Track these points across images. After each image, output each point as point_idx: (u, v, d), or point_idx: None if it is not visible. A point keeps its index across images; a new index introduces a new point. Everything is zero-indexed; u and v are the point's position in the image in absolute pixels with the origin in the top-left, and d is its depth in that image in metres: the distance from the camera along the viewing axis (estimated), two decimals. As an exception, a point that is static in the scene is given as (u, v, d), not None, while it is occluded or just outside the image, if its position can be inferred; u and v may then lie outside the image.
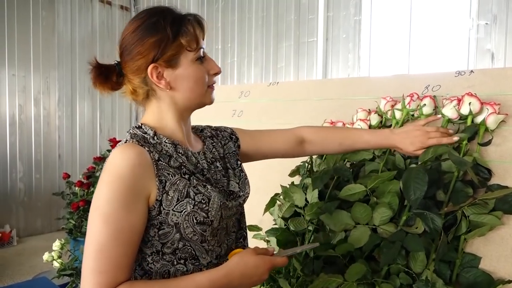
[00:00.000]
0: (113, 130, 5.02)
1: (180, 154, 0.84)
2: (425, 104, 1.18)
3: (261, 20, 3.81)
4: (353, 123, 1.34)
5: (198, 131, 0.99)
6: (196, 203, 0.78)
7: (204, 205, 0.79)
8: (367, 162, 1.22)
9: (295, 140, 1.06)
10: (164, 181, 0.78)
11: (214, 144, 0.97)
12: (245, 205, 1.58)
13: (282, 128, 1.10)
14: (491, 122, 1.07)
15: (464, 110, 1.09)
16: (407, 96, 1.22)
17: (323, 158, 1.31)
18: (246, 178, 0.96)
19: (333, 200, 1.17)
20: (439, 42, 2.70)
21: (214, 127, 1.04)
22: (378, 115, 1.32)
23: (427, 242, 1.01)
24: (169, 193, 0.78)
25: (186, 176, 0.80)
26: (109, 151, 3.39)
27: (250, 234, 1.40)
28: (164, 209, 0.77)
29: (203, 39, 0.89)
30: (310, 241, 1.21)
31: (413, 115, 1.22)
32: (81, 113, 4.68)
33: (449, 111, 1.13)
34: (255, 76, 3.89)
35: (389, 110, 1.28)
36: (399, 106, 1.24)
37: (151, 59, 0.81)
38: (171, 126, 0.87)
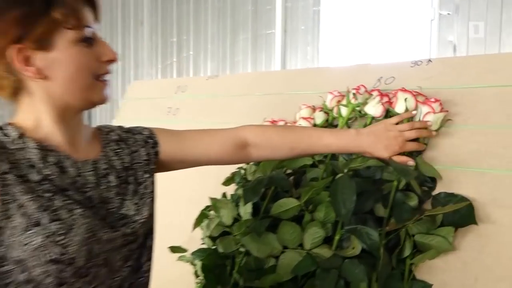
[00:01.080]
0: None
1: (49, 164, 0.63)
2: (372, 95, 0.99)
3: (217, 11, 3.58)
4: (295, 122, 1.14)
5: (103, 133, 0.77)
6: (49, 234, 0.58)
7: (61, 237, 0.58)
8: (308, 169, 1.03)
9: (236, 143, 0.84)
10: (9, 201, 0.58)
11: (119, 151, 0.75)
12: (174, 219, 1.37)
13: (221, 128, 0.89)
14: (433, 122, 0.89)
15: (400, 108, 0.91)
16: (353, 89, 1.03)
17: (259, 164, 1.11)
18: (150, 198, 0.75)
19: (266, 218, 0.96)
20: (400, 33, 2.55)
21: (127, 128, 0.82)
22: (324, 112, 1.12)
23: (368, 268, 0.82)
24: (14, 218, 0.57)
25: (48, 195, 0.60)
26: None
27: (174, 256, 1.18)
28: (4, 240, 0.57)
29: (96, 18, 0.68)
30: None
31: (360, 111, 1.03)
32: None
33: (371, 108, 0.95)
34: (212, 70, 3.66)
35: (335, 106, 1.08)
36: (345, 101, 1.04)
37: (13, 38, 0.60)
38: (47, 128, 0.66)
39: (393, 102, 0.95)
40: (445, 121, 0.91)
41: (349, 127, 1.08)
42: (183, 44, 3.91)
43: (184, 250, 1.12)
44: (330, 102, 1.09)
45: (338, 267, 0.80)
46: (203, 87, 1.54)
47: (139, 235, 0.71)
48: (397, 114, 0.93)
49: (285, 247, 0.90)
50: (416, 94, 0.93)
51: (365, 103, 1.00)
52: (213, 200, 1.09)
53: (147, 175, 0.76)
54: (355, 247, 0.81)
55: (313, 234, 0.86)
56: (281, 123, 1.19)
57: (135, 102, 1.77)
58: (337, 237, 0.85)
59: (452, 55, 2.32)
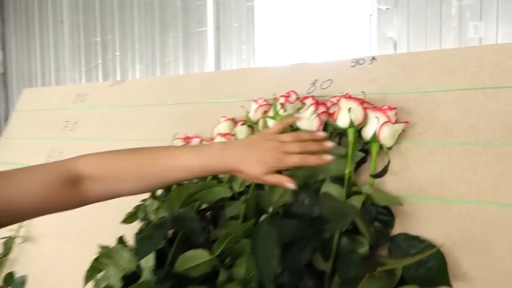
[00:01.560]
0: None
1: None
2: (304, 104, 0.77)
3: (144, 8, 3.25)
4: (212, 139, 0.89)
5: None
6: None
7: None
8: (228, 202, 0.78)
9: (64, 179, 0.58)
10: None
11: None
12: (67, 269, 1.08)
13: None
14: (386, 137, 0.69)
15: (343, 121, 0.70)
16: (281, 96, 0.80)
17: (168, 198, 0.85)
18: None
19: (174, 276, 0.71)
20: (339, 29, 2.39)
21: None
22: (248, 126, 0.88)
23: None
24: None
25: None
26: None
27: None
28: None
29: None
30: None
31: (291, 125, 0.81)
32: None
33: (305, 121, 0.73)
34: (141, 72, 3.33)
35: (260, 118, 0.85)
36: (272, 112, 0.81)
37: None
38: None
39: (335, 113, 0.73)
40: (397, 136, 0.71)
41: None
42: (108, 44, 3.54)
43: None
44: (254, 113, 0.86)
45: None
46: (107, 95, 1.25)
47: None
48: (340, 128, 0.71)
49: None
50: (362, 102, 0.71)
51: (296, 113, 0.77)
52: (104, 248, 0.82)
53: None
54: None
55: (228, 303, 0.62)
56: (196, 140, 0.94)
57: (27, 114, 1.44)
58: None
59: (393, 53, 2.18)
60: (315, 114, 0.73)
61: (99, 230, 0.99)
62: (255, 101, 0.87)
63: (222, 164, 0.60)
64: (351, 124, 0.69)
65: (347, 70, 0.85)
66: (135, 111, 1.15)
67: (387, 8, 2.22)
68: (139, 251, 0.70)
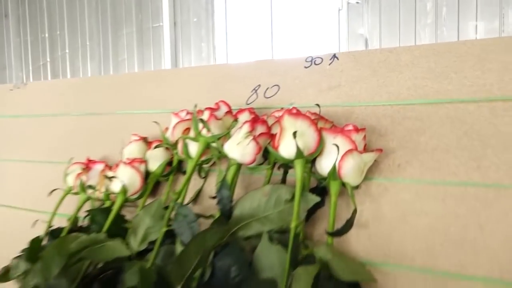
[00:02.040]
0: None
1: None
2: (236, 121, 0.54)
3: (95, 1, 2.96)
4: (117, 166, 0.65)
5: None
6: None
7: None
8: (127, 265, 0.54)
9: None
10: None
11: None
12: None
13: None
14: (351, 172, 0.46)
15: (287, 150, 0.47)
16: (206, 109, 0.57)
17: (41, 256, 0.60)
18: None
19: None
20: (305, 25, 2.17)
21: None
22: (166, 148, 0.64)
23: None
24: None
25: None
26: None
27: None
28: None
29: None
30: None
31: (219, 150, 0.57)
32: None
33: (235, 147, 0.50)
34: (92, 72, 3.03)
35: (179, 138, 0.61)
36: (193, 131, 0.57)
37: None
38: None
39: (276, 135, 0.50)
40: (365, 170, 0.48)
41: (204, 176, 0.62)
42: (57, 40, 3.23)
43: None
44: (172, 131, 0.62)
45: None
46: (5, 101, 0.98)
47: None
48: (284, 159, 0.48)
49: None
50: (315, 119, 0.48)
51: (227, 135, 0.54)
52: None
53: None
54: None
55: None
56: (99, 167, 0.69)
57: None
58: None
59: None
60: (250, 137, 0.50)
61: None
62: (176, 114, 0.63)
63: None
64: (299, 154, 0.46)
65: (299, 73, 0.62)
66: (36, 123, 0.89)
67: (357, 2, 2.02)
68: None
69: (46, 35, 3.29)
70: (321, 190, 0.51)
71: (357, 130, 0.48)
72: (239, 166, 0.52)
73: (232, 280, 0.46)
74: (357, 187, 0.49)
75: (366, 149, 0.49)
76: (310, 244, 0.48)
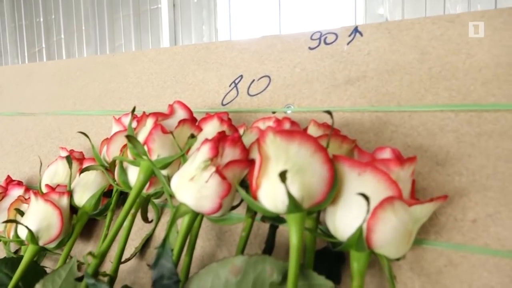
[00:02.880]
0: None
1: None
2: (193, 136, 0.33)
3: (91, -19, 2.75)
4: (33, 196, 0.44)
5: None
6: None
7: None
8: None
9: None
10: None
11: None
12: None
13: None
14: (390, 239, 0.25)
15: (271, 199, 0.26)
16: (150, 115, 0.36)
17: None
18: None
19: None
20: (318, 6, 1.93)
21: None
22: (102, 172, 0.43)
23: None
24: None
25: None
26: None
27: None
28: None
29: None
30: None
31: (168, 178, 0.36)
32: None
33: (189, 191, 0.29)
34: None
35: (115, 158, 0.39)
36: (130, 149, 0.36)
37: None
38: None
39: (256, 169, 0.28)
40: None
41: (151, 219, 0.41)
42: (52, 25, 3.03)
43: None
44: (108, 146, 0.41)
45: None
46: None
47: None
48: (265, 210, 0.27)
49: None
50: (324, 135, 0.26)
51: (182, 157, 0.33)
52: None
53: None
54: None
55: None
56: (18, 191, 0.49)
57: None
58: None
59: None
60: (212, 169, 0.28)
61: None
62: (118, 119, 0.42)
63: None
64: (293, 208, 0.25)
65: (300, 57, 0.40)
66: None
67: (377, -22, 1.77)
68: None
69: (41, 19, 3.09)
70: (333, 257, 0.30)
71: (400, 160, 0.26)
72: (196, 215, 0.31)
73: None
74: (398, 259, 0.28)
75: (414, 195, 0.27)
76: None
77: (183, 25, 2.37)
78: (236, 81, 0.43)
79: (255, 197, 0.27)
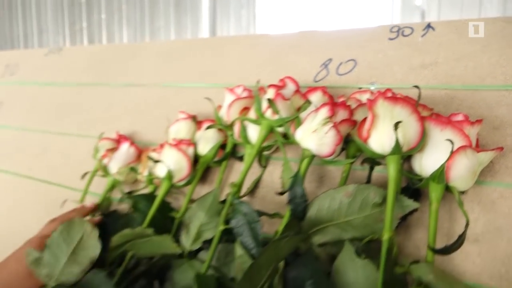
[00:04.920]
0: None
1: None
2: (309, 102, 0.45)
3: (133, -37, 2.86)
4: (161, 147, 0.56)
5: None
6: None
7: None
8: (176, 262, 0.47)
9: None
10: None
11: None
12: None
13: None
14: (462, 175, 0.37)
15: (380, 143, 0.38)
16: (269, 86, 0.47)
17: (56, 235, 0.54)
18: None
19: None
20: (355, -6, 2.01)
21: None
22: (219, 130, 0.56)
23: None
24: None
25: None
26: None
27: None
28: None
29: None
30: None
31: (285, 136, 0.48)
32: None
33: (310, 136, 0.41)
34: (129, 38, 2.96)
35: (237, 119, 0.52)
36: (254, 111, 0.49)
37: None
38: None
39: (364, 125, 0.40)
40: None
41: (264, 165, 0.53)
42: (93, 5, 3.16)
43: None
44: (228, 110, 0.53)
45: None
46: (41, 67, 0.92)
47: None
48: (376, 154, 0.39)
49: None
50: (416, 107, 0.38)
51: (296, 118, 0.45)
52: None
53: None
54: None
55: None
56: (124, 147, 0.61)
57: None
58: None
59: (420, 24, 1.81)
60: (330, 124, 0.40)
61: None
62: (231, 90, 0.54)
63: None
64: (396, 150, 0.37)
65: (382, 45, 0.52)
66: (69, 92, 0.82)
67: (415, -31, 1.84)
68: None
69: (83, 0, 3.23)
70: (414, 192, 0.41)
71: (470, 121, 0.38)
72: (312, 158, 0.43)
73: (307, 297, 0.37)
74: (463, 192, 0.39)
75: (478, 147, 0.39)
76: (402, 259, 0.39)
77: (222, 8, 2.47)
78: (326, 63, 0.54)
79: (364, 143, 0.39)
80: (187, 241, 0.45)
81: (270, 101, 0.44)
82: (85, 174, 0.64)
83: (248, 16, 2.38)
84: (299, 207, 0.41)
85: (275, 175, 0.52)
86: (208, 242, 0.45)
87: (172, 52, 0.72)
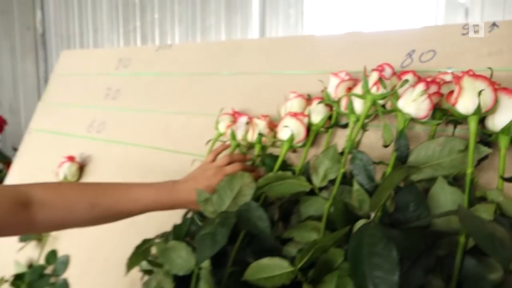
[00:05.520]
0: (16, 104, 4.14)
1: None
2: (407, 80, 0.61)
3: (185, -34, 3.07)
4: (278, 124, 0.75)
5: None
6: None
7: None
8: (304, 198, 0.65)
9: (15, 201, 0.58)
10: None
11: None
12: (115, 254, 0.97)
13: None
14: None
15: (465, 106, 0.54)
16: (373, 70, 0.64)
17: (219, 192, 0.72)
18: None
19: (238, 276, 0.59)
20: (401, -7, 2.14)
21: None
22: (326, 105, 0.73)
23: None
24: None
25: None
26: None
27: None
28: None
29: None
30: None
31: (384, 106, 0.66)
32: (-29, 83, 3.77)
33: (410, 104, 0.57)
34: (180, 36, 3.18)
35: (343, 96, 0.69)
36: (359, 89, 0.66)
37: None
38: None
39: (451, 95, 0.56)
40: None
41: (365, 129, 0.70)
42: (147, 6, 3.40)
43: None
44: (335, 89, 0.70)
45: None
46: (152, 60, 1.12)
47: None
48: (460, 115, 0.55)
49: None
50: (491, 82, 0.54)
51: (394, 93, 0.62)
52: (160, 244, 0.70)
53: None
54: None
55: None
56: (243, 120, 0.80)
57: (67, 79, 1.34)
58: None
59: (464, 21, 1.93)
60: (425, 95, 0.57)
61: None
62: (335, 74, 0.72)
63: (173, 199, 0.66)
64: (477, 111, 0.53)
65: (456, 39, 0.68)
66: (183, 80, 1.01)
67: (460, -31, 1.96)
68: (201, 252, 0.58)
69: (137, 0, 3.47)
70: (486, 144, 0.57)
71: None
72: (410, 120, 0.60)
73: (411, 213, 0.54)
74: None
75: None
76: (479, 189, 0.55)
77: (271, 8, 2.64)
78: (410, 53, 0.71)
79: (453, 107, 0.55)
80: (317, 180, 0.63)
81: (380, 79, 0.61)
82: (209, 141, 0.83)
83: (296, 15, 2.54)
84: (403, 154, 0.58)
85: (371, 137, 0.69)
86: (331, 182, 0.62)
87: (275, 46, 0.90)
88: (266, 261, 0.56)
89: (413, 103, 0.58)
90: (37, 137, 1.27)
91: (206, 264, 0.64)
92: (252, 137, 0.77)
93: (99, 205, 0.63)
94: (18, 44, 4.16)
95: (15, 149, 1.80)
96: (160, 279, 0.67)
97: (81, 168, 1.09)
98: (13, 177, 1.26)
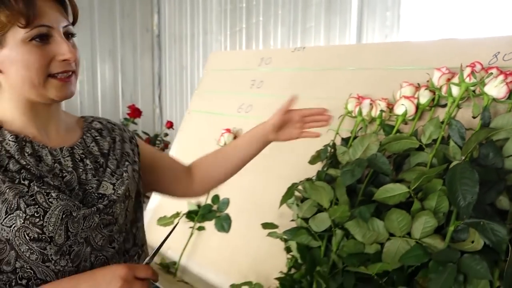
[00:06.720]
0: (135, 95, 4.85)
1: (25, 155, 0.69)
2: (491, 73, 0.90)
3: (289, -27, 3.44)
4: (393, 104, 1.06)
5: (87, 121, 0.83)
6: (28, 216, 0.65)
7: (38, 219, 0.65)
8: (413, 152, 0.96)
9: (186, 168, 0.98)
10: None
11: (99, 138, 0.81)
12: (263, 197, 1.36)
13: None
14: None
15: None
16: (467, 66, 0.94)
17: (348, 144, 1.07)
18: (128, 179, 0.78)
19: (366, 203, 0.92)
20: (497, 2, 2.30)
21: (114, 122, 0.87)
22: (430, 91, 1.04)
23: (490, 265, 0.77)
24: None
25: (26, 182, 0.67)
26: (126, 119, 3.23)
27: (263, 232, 1.18)
28: None
29: (61, 14, 0.71)
30: (339, 247, 0.98)
31: (474, 91, 0.95)
32: (102, 77, 4.51)
33: (493, 88, 0.86)
34: (282, 37, 3.57)
35: (444, 84, 0.99)
36: (456, 79, 0.95)
37: None
38: (18, 119, 0.72)
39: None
40: None
41: (459, 107, 1.00)
42: (253, 9, 3.83)
43: (275, 226, 1.12)
44: (438, 80, 1.01)
45: (455, 261, 0.75)
46: (289, 59, 1.49)
47: (117, 216, 0.74)
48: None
49: (391, 234, 0.87)
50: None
51: (482, 82, 0.91)
52: (307, 182, 1.06)
53: (127, 163, 0.80)
54: (476, 241, 0.76)
55: (424, 223, 0.82)
56: (366, 102, 1.12)
57: (216, 73, 1.76)
58: (451, 228, 0.80)
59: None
60: (504, 83, 0.86)
61: (291, 169, 1.24)
62: (438, 69, 1.02)
63: (258, 130, 0.96)
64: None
65: (531, 44, 0.95)
66: (317, 74, 1.37)
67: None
68: (344, 179, 0.93)
69: (244, 5, 3.92)
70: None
71: None
72: (492, 100, 0.89)
73: (490, 161, 0.84)
74: None
75: None
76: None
77: (369, 11, 2.91)
78: (496, 54, 0.99)
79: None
80: (424, 139, 0.94)
81: (472, 72, 0.91)
82: (340, 116, 1.17)
83: (393, 18, 2.79)
84: (486, 121, 0.87)
85: (464, 114, 0.98)
86: (434, 141, 0.93)
87: (388, 49, 1.22)
88: (390, 185, 0.89)
89: (495, 88, 0.87)
90: (196, 116, 1.71)
91: (342, 192, 0.98)
92: (375, 113, 1.09)
93: (225, 159, 0.98)
94: (139, 44, 4.86)
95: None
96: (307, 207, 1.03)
97: (235, 138, 1.49)
98: (179, 145, 1.71)
